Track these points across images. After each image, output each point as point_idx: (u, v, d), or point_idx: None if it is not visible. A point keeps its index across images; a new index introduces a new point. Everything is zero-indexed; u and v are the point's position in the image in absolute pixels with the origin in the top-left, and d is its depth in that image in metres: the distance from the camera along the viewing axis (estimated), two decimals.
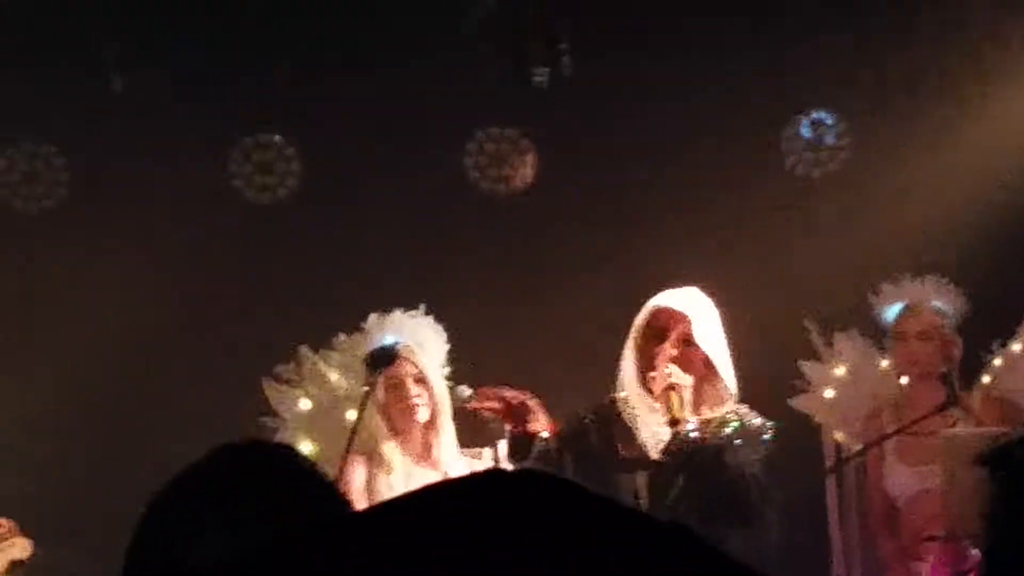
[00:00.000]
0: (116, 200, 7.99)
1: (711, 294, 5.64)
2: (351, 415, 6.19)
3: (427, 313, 6.29)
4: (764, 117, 8.13)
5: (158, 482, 2.07)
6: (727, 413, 5.52)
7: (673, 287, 5.65)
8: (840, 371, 7.15)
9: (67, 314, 7.87)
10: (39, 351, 7.86)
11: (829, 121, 8.26)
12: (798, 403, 7.12)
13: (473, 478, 1.11)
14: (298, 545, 1.08)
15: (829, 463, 7.10)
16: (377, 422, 6.01)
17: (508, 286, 7.93)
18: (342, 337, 6.50)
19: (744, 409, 5.57)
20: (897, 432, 6.48)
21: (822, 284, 7.63)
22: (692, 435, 5.39)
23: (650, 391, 5.46)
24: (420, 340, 6.17)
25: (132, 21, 7.89)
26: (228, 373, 7.20)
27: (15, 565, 6.44)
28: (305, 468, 2.12)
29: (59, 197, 8.25)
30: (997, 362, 6.91)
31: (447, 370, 6.20)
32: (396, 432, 6.05)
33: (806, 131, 8.27)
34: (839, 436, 7.12)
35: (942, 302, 6.91)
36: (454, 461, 6.02)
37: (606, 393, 5.66)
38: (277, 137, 8.30)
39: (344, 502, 2.10)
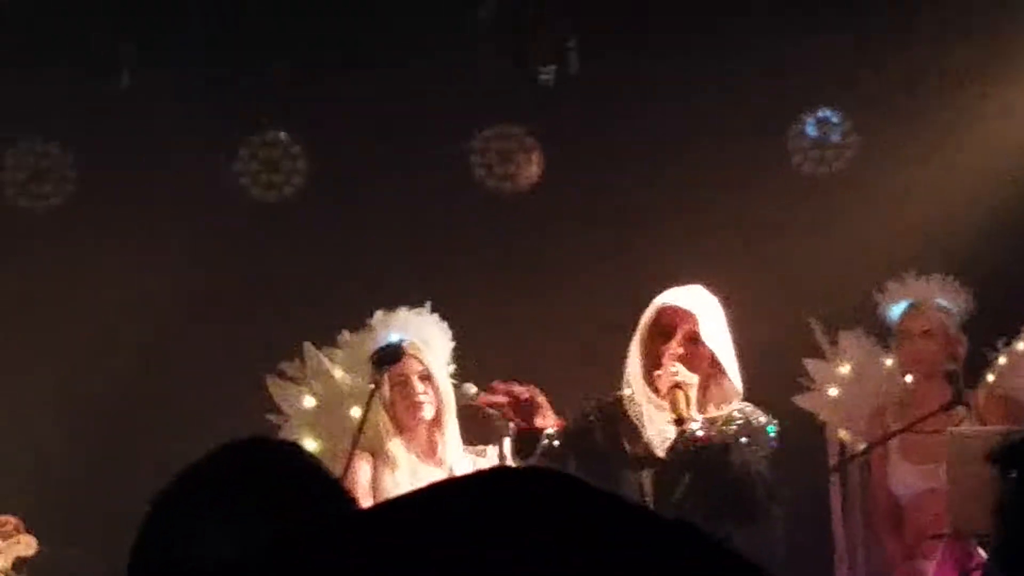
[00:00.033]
0: (122, 198, 7.99)
1: (716, 292, 5.63)
2: (355, 412, 6.19)
3: (432, 311, 6.30)
4: (768, 116, 8.13)
5: (160, 480, 2.07)
6: (733, 411, 5.51)
7: (678, 285, 5.65)
8: (844, 369, 7.15)
9: (71, 311, 7.87)
10: (43, 347, 7.87)
11: (835, 119, 8.26)
12: (802, 401, 7.12)
13: (479, 477, 1.11)
14: (302, 545, 1.08)
15: (833, 462, 7.10)
16: (383, 419, 6.01)
17: (513, 284, 7.93)
18: (346, 335, 6.50)
19: (750, 407, 5.56)
20: (902, 431, 6.47)
21: (827, 283, 7.62)
22: (698, 433, 5.39)
23: (656, 389, 5.45)
24: (426, 338, 6.17)
25: (138, 19, 7.90)
26: (234, 370, 7.20)
27: (21, 562, 6.45)
28: (309, 466, 2.12)
29: (65, 195, 8.26)
30: (1002, 360, 6.91)
31: (452, 368, 6.20)
32: (401, 429, 6.05)
33: (812, 130, 8.27)
34: (843, 434, 7.12)
35: (947, 300, 6.91)
36: (459, 459, 6.02)
37: (611, 391, 5.65)
38: (283, 134, 8.30)
39: (348, 500, 2.10)
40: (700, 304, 5.51)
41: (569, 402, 5.72)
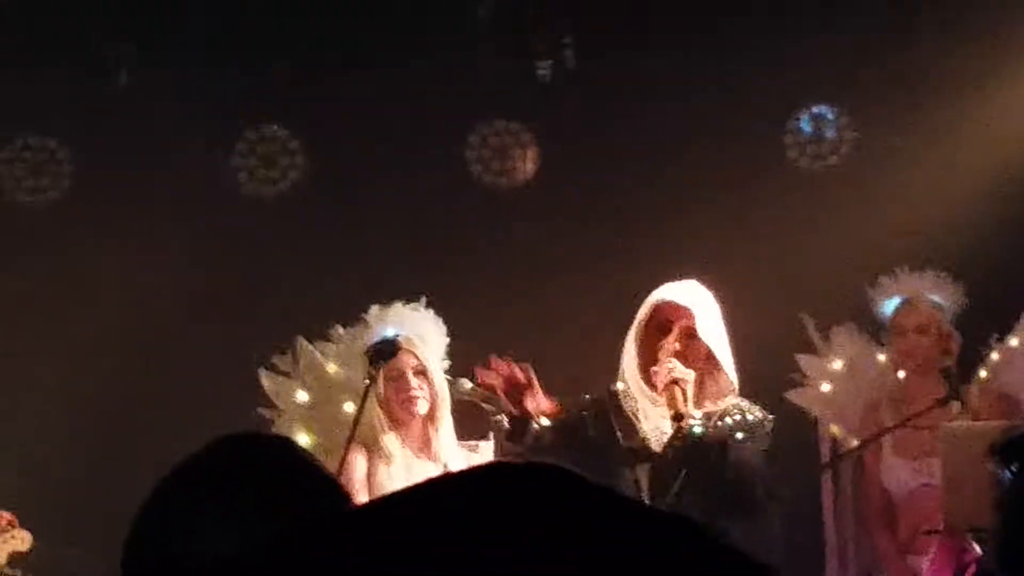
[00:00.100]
0: (121, 197, 8.00)
1: (710, 287, 5.63)
2: (349, 407, 6.20)
3: (428, 306, 6.30)
4: (765, 112, 8.14)
5: (157, 476, 2.07)
6: (729, 406, 5.51)
7: (673, 280, 5.64)
8: (837, 365, 7.15)
9: (71, 309, 7.87)
10: (40, 340, 7.87)
11: (830, 115, 8.27)
12: (794, 397, 7.12)
13: (475, 472, 1.11)
14: (302, 543, 1.09)
15: (825, 457, 7.10)
16: (377, 414, 6.01)
17: (509, 280, 7.94)
18: (339, 329, 6.50)
19: (746, 403, 5.56)
20: (896, 426, 6.48)
21: (820, 278, 7.63)
22: (696, 429, 5.38)
23: (652, 385, 5.44)
24: (421, 333, 6.17)
25: (138, 19, 7.90)
26: (232, 367, 7.20)
27: (16, 557, 6.45)
28: (303, 460, 2.12)
29: (63, 190, 8.26)
30: (994, 356, 6.91)
31: (447, 363, 6.20)
32: (396, 424, 6.06)
33: (807, 125, 8.28)
34: (835, 430, 7.12)
35: (940, 296, 6.92)
36: (453, 454, 6.02)
37: (607, 386, 5.65)
38: (278, 128, 8.30)
39: (343, 494, 2.10)
40: (696, 299, 5.51)
41: (567, 397, 5.71)
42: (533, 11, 7.98)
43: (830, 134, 8.26)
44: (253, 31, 7.95)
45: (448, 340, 6.23)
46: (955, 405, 6.44)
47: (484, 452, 6.03)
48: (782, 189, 8.07)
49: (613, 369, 5.62)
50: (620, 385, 5.56)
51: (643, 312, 5.54)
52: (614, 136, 8.12)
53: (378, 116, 8.08)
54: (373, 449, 6.03)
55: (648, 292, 5.60)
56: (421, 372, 6.05)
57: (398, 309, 6.29)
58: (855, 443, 6.82)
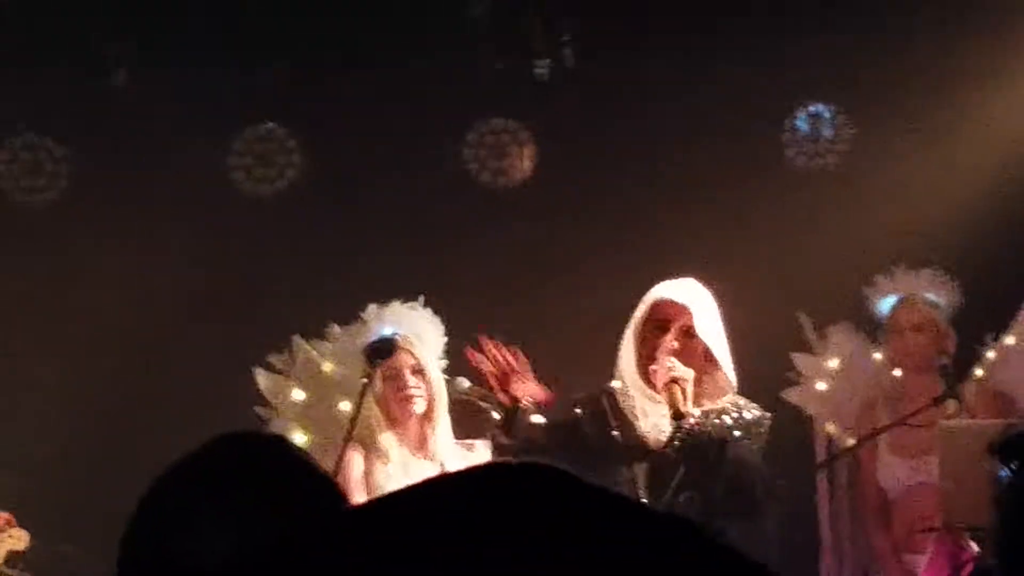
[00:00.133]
0: (120, 197, 8.00)
1: (707, 286, 5.63)
2: (344, 406, 6.20)
3: (426, 305, 6.30)
4: (762, 111, 8.14)
5: (155, 475, 2.07)
6: (727, 404, 5.51)
7: (671, 278, 5.64)
8: (833, 363, 7.14)
9: (70, 308, 7.87)
10: (38, 340, 7.87)
11: (826, 115, 8.27)
12: (790, 395, 7.12)
13: (473, 472, 1.12)
14: (302, 543, 1.09)
15: (820, 456, 7.10)
16: (374, 413, 6.01)
17: (507, 278, 7.93)
18: (335, 328, 6.50)
19: (743, 400, 5.56)
20: (893, 425, 6.49)
21: (817, 277, 7.63)
22: (695, 428, 5.37)
23: (651, 383, 5.43)
24: (418, 332, 6.17)
25: (137, 19, 7.90)
26: (229, 364, 7.20)
27: (13, 556, 6.46)
28: (299, 459, 2.12)
29: (60, 189, 8.26)
30: (990, 355, 6.91)
31: (444, 362, 6.20)
32: (393, 423, 6.05)
33: (803, 124, 8.28)
34: (831, 428, 7.12)
35: (936, 295, 6.93)
36: (449, 453, 6.02)
37: (603, 384, 5.64)
38: (275, 126, 8.30)
39: (339, 493, 2.10)
40: (694, 298, 5.50)
41: (564, 395, 5.71)
42: (531, 10, 7.99)
43: (827, 133, 8.27)
44: (251, 31, 7.94)
45: (445, 339, 6.23)
46: (952, 403, 6.44)
47: (481, 451, 6.03)
48: (780, 188, 8.07)
49: (612, 367, 5.61)
50: (617, 383, 5.56)
51: (641, 310, 5.53)
52: (612, 135, 8.12)
53: (375, 115, 8.08)
54: (370, 448, 6.03)
55: (646, 290, 5.60)
56: (418, 371, 6.05)
57: (396, 308, 6.29)
58: (851, 442, 6.82)
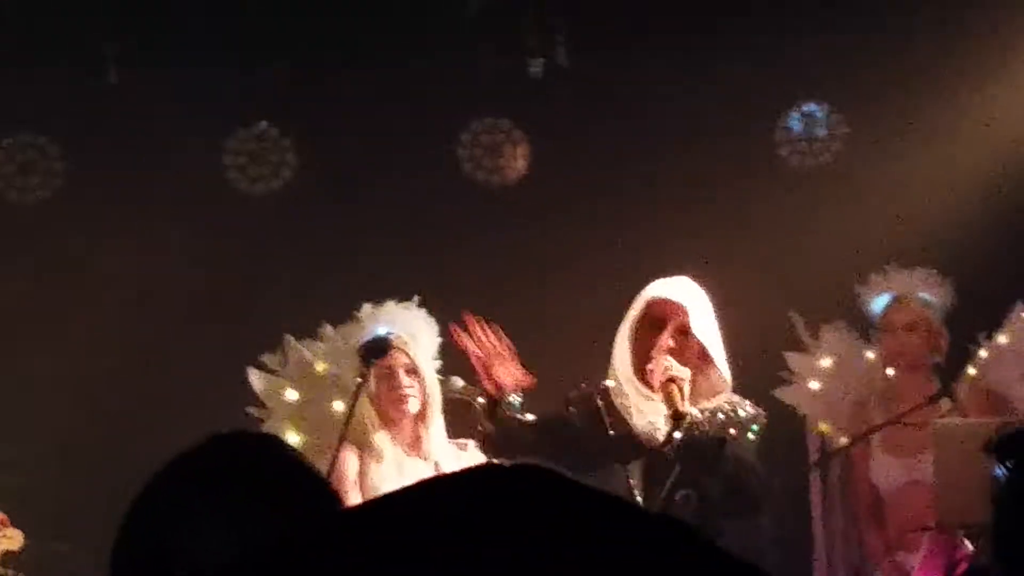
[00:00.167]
0: (112, 191, 7.99)
1: (701, 284, 5.63)
2: (338, 405, 6.20)
3: (421, 305, 6.30)
4: (757, 110, 8.14)
5: (150, 474, 2.08)
6: (722, 403, 5.50)
7: (665, 277, 5.63)
8: (826, 362, 7.14)
9: (61, 304, 7.87)
10: (32, 339, 7.86)
11: (819, 114, 8.28)
12: (783, 394, 7.12)
13: (470, 473, 1.12)
14: (300, 544, 1.09)
15: (814, 456, 7.10)
16: (368, 413, 6.02)
17: (502, 278, 7.93)
18: (328, 328, 6.50)
19: (738, 399, 5.55)
20: (886, 424, 6.49)
21: (810, 276, 7.63)
22: (693, 426, 5.37)
23: (646, 382, 5.43)
24: (413, 332, 6.18)
25: (131, 15, 7.89)
26: (226, 364, 7.20)
27: (7, 556, 6.45)
28: (291, 458, 2.12)
29: (55, 188, 8.25)
30: (983, 354, 6.92)
31: (438, 362, 6.21)
32: (387, 423, 6.06)
33: (796, 124, 8.29)
34: (824, 427, 7.12)
35: (929, 294, 6.93)
36: (444, 452, 6.02)
37: (597, 382, 5.64)
38: (270, 126, 8.30)
39: (333, 493, 2.10)
40: (690, 296, 5.49)
41: (560, 395, 5.71)
42: (526, 9, 7.99)
43: (820, 132, 8.27)
44: (249, 30, 7.94)
45: (440, 339, 6.23)
46: (945, 402, 6.45)
47: (474, 451, 6.03)
48: (774, 187, 8.07)
49: (608, 366, 5.61)
50: (611, 382, 5.55)
51: (636, 309, 5.52)
52: (607, 134, 8.12)
53: (370, 114, 8.08)
54: (364, 448, 6.03)
55: (641, 288, 5.59)
56: (412, 371, 6.05)
57: (390, 308, 6.29)
58: (844, 441, 6.83)
